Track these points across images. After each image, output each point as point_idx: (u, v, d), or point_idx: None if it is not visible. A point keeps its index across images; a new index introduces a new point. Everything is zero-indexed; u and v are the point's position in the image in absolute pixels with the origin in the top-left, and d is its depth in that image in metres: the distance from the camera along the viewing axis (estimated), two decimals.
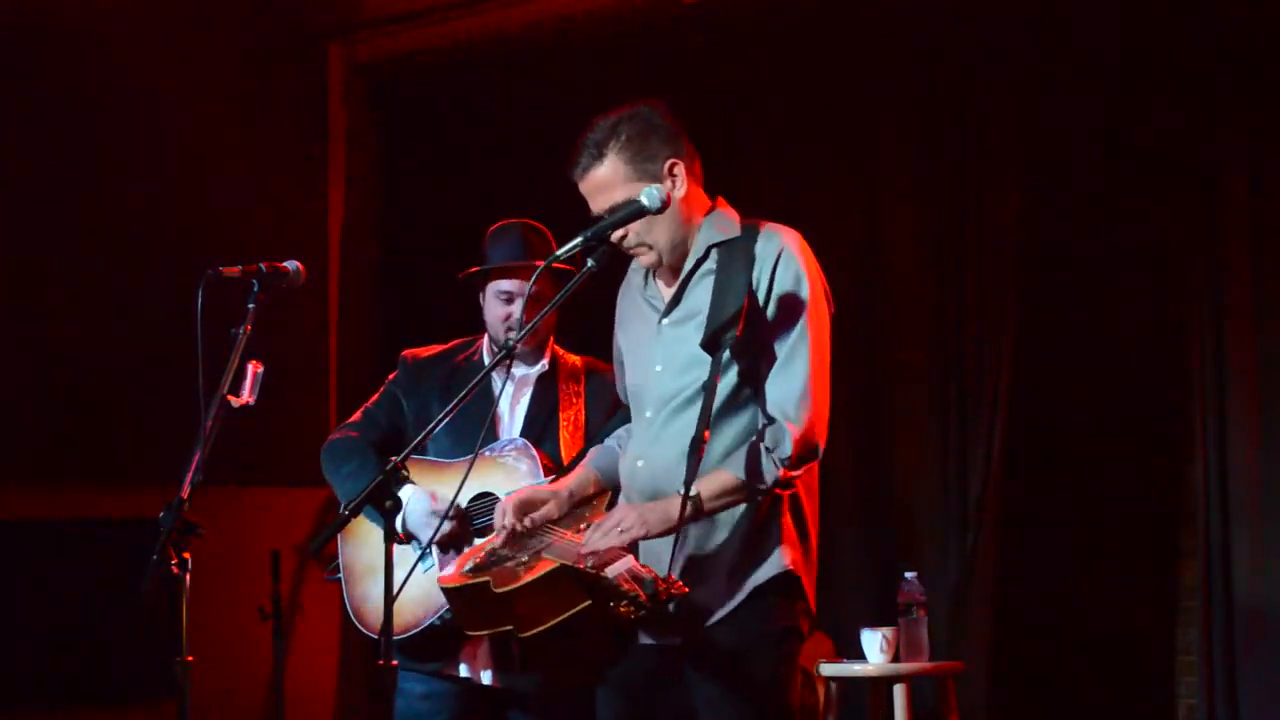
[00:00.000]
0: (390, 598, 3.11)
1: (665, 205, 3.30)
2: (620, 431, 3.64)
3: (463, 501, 4.05)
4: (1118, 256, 5.62)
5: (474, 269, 4.24)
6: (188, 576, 3.27)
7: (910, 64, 5.97)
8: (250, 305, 3.54)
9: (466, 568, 3.53)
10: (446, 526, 3.96)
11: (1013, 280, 5.70)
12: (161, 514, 3.26)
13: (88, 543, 6.03)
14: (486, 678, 4.12)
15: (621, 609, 3.06)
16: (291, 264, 3.65)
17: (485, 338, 4.30)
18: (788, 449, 3.24)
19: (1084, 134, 5.66)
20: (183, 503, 3.28)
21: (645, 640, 3.38)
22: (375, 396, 4.34)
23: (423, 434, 3.36)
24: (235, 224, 6.26)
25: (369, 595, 4.19)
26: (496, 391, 4.14)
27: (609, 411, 4.14)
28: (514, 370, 4.21)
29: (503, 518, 3.43)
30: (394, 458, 3.16)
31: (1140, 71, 5.55)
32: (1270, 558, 5.23)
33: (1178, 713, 5.54)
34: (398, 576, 3.98)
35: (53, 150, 6.10)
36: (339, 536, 4.24)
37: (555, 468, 4.03)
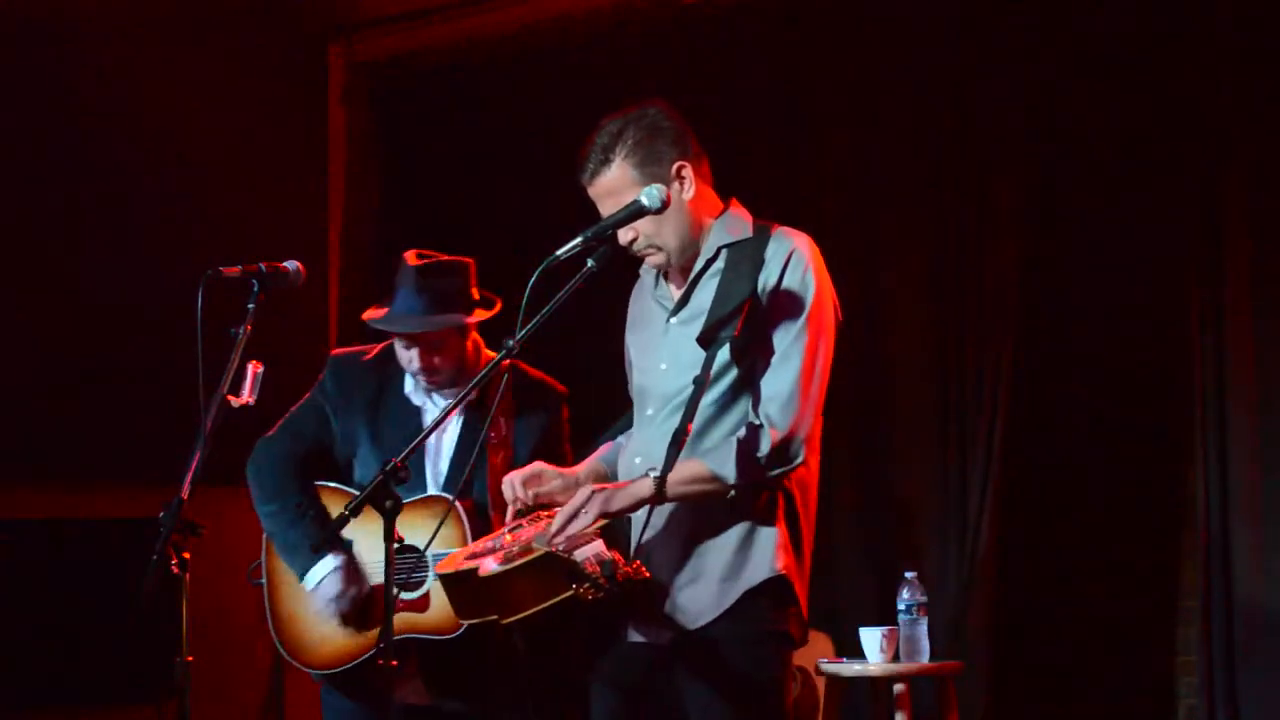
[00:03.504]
0: (390, 598, 3.12)
1: (665, 205, 3.29)
2: (631, 432, 3.63)
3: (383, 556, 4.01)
4: (1117, 256, 5.62)
5: (373, 318, 4.11)
6: (188, 576, 3.27)
7: (910, 63, 5.97)
8: (250, 305, 3.53)
9: (463, 557, 3.55)
10: (341, 608, 4.00)
11: (1012, 281, 5.69)
12: (161, 514, 3.26)
13: (88, 543, 6.03)
14: (415, 698, 4.10)
15: (582, 590, 3.07)
16: (291, 264, 3.64)
17: None
18: (764, 449, 3.24)
19: (1084, 134, 5.66)
20: (183, 503, 3.28)
21: (636, 639, 3.38)
22: (303, 400, 4.24)
23: (421, 437, 3.33)
24: (235, 224, 6.26)
25: (295, 617, 4.16)
26: (425, 424, 4.10)
27: (539, 440, 4.08)
28: (436, 399, 4.15)
29: (510, 490, 3.41)
30: (394, 459, 3.15)
31: (1140, 71, 5.55)
32: (1270, 558, 5.23)
33: (1178, 713, 5.54)
34: (310, 610, 4.04)
35: (53, 150, 6.10)
36: (265, 549, 4.21)
37: (481, 512, 3.98)
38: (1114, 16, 5.57)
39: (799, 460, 3.30)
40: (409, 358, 4.07)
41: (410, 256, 4.13)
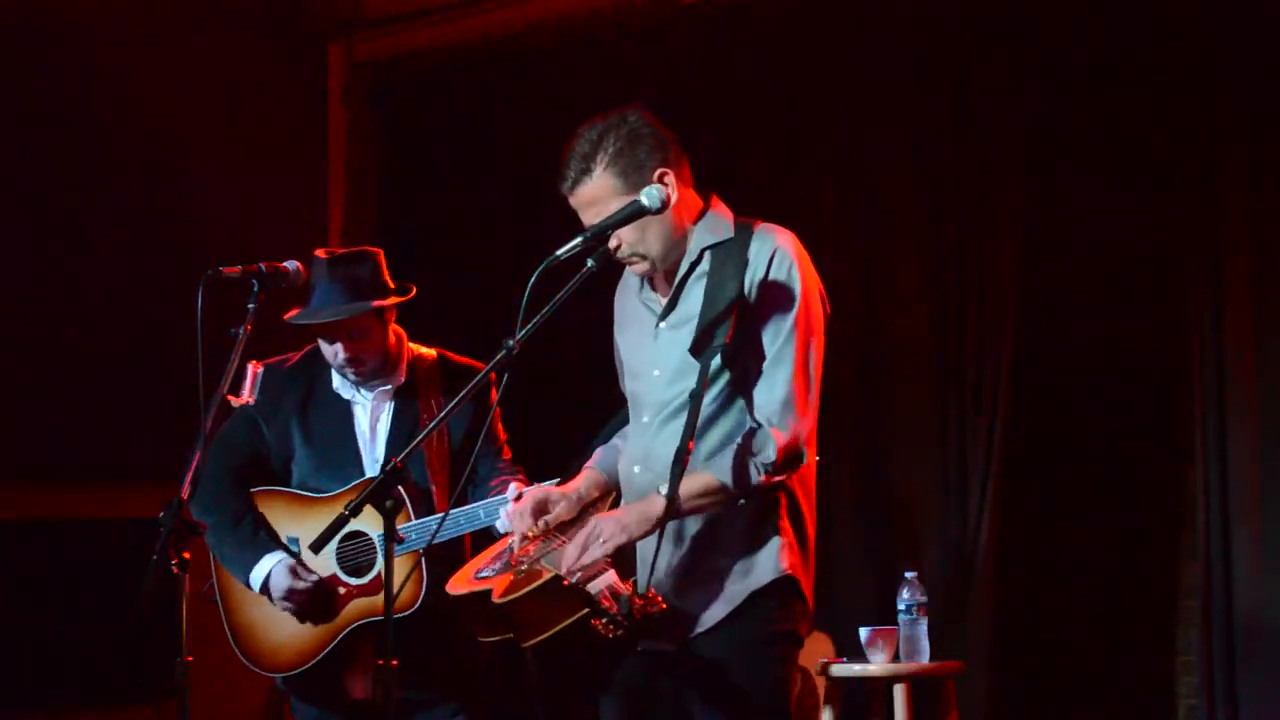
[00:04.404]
0: (390, 597, 3.12)
1: (665, 205, 3.27)
2: (627, 429, 3.62)
3: (332, 545, 3.95)
4: (1117, 256, 5.62)
5: (292, 316, 4.13)
6: (188, 576, 3.27)
7: (910, 62, 5.97)
8: (250, 305, 3.54)
9: (473, 575, 3.54)
10: (297, 603, 4.02)
11: (1012, 280, 5.69)
12: (161, 514, 3.26)
13: (88, 543, 6.03)
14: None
15: (601, 626, 3.06)
16: (291, 264, 3.65)
17: None
18: (771, 455, 3.23)
19: (1084, 134, 5.65)
20: (183, 503, 3.28)
21: (642, 646, 3.37)
22: (232, 416, 4.22)
23: (422, 435, 3.33)
24: (235, 224, 6.26)
25: (253, 625, 4.17)
26: (355, 416, 4.17)
27: (471, 419, 4.13)
28: (364, 391, 4.19)
29: (519, 521, 3.42)
30: (394, 459, 3.16)
31: (1140, 71, 5.55)
32: (1270, 558, 5.22)
33: (1178, 713, 5.54)
34: (274, 614, 4.09)
35: (53, 150, 6.11)
36: (214, 563, 4.22)
37: (423, 495, 4.03)
38: (1115, 16, 5.57)
39: (804, 460, 3.31)
40: (334, 352, 4.11)
41: (320, 253, 4.17)
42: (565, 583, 3.16)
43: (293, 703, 4.26)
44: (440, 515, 3.95)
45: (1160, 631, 5.57)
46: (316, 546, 3.45)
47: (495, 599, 3.30)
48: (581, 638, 3.33)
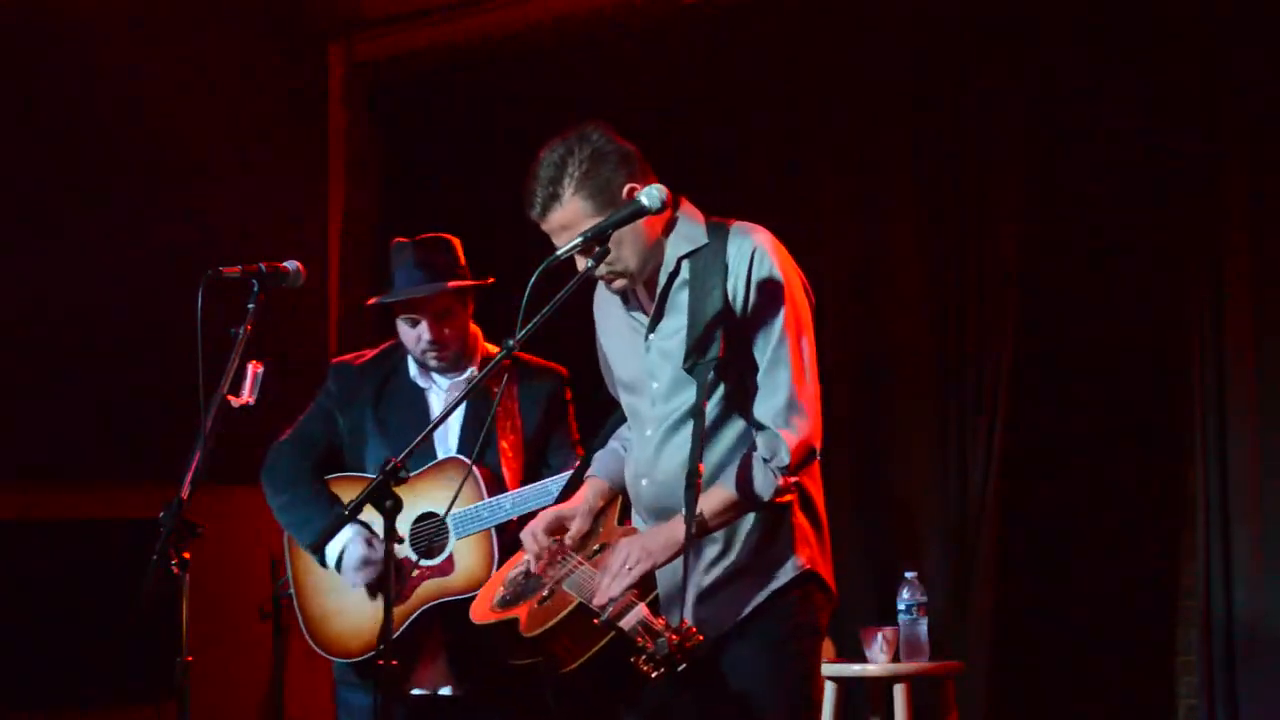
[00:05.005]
0: (390, 598, 3.12)
1: (666, 205, 3.26)
2: (622, 431, 3.62)
3: (405, 526, 4.04)
4: (1118, 257, 5.62)
5: (380, 297, 4.22)
6: (188, 576, 3.27)
7: (910, 63, 5.97)
8: (250, 305, 3.54)
9: (495, 601, 3.55)
10: (370, 574, 4.04)
11: (1013, 280, 5.69)
12: (161, 514, 3.26)
13: (88, 543, 6.04)
14: (446, 690, 4.13)
15: (640, 664, 3.05)
16: (291, 264, 3.65)
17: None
18: (785, 458, 3.23)
19: (1084, 134, 5.65)
20: (183, 503, 3.28)
21: None
22: (308, 409, 4.32)
23: (423, 435, 3.33)
24: (235, 224, 6.27)
25: (326, 613, 4.19)
26: (430, 404, 4.21)
27: (545, 411, 4.22)
28: (439, 380, 4.24)
29: (533, 543, 3.43)
30: (393, 459, 3.16)
31: (1141, 72, 5.55)
32: (1270, 558, 5.23)
33: (1178, 713, 5.54)
34: (345, 601, 4.09)
35: (53, 150, 6.11)
36: (287, 554, 4.26)
37: (495, 479, 4.06)
38: (1114, 15, 5.57)
39: (816, 457, 3.32)
40: (416, 335, 4.15)
41: (401, 240, 4.27)
42: (595, 622, 3.18)
43: (341, 693, 4.24)
44: (489, 500, 4.00)
45: (1160, 631, 5.57)
46: (327, 534, 3.46)
47: (525, 632, 3.33)
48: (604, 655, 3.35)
